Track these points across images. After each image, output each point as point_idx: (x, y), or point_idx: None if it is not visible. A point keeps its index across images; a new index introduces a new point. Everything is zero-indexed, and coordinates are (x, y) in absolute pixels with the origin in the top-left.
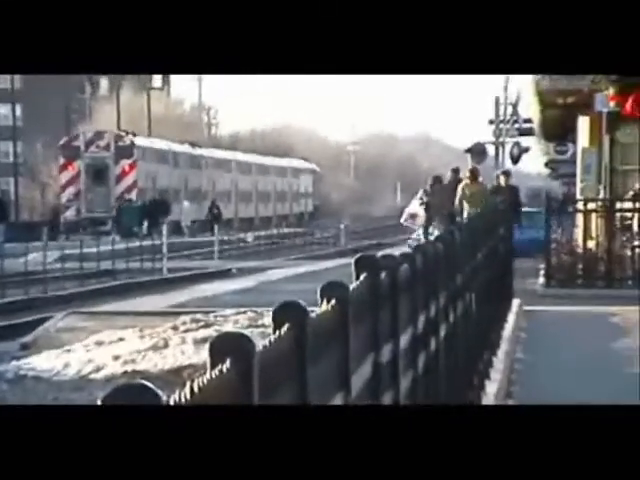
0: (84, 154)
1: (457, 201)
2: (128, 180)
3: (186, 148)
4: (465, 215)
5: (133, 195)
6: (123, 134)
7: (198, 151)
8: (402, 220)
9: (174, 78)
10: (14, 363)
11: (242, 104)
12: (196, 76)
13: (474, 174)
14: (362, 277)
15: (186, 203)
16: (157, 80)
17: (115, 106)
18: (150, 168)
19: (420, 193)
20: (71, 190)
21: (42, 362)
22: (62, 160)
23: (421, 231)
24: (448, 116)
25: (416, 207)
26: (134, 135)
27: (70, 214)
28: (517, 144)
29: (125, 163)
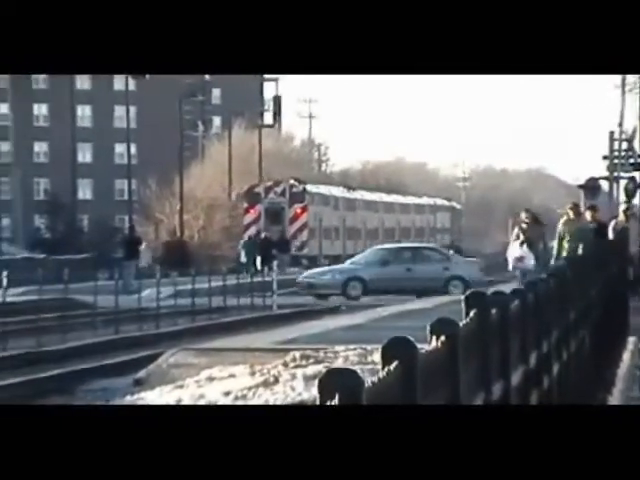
0: (264, 199)
1: (557, 240)
2: (301, 221)
3: (344, 192)
4: (564, 253)
5: (304, 234)
6: (296, 183)
7: (353, 194)
8: (510, 267)
9: (285, 115)
10: (128, 398)
11: (352, 140)
12: (307, 113)
13: (575, 211)
14: (472, 314)
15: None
16: (268, 117)
17: (227, 143)
18: (317, 210)
19: (516, 232)
20: (252, 230)
21: (155, 398)
22: (245, 205)
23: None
24: (561, 151)
25: (518, 249)
26: (305, 184)
27: None
28: (632, 179)
29: (298, 207)
